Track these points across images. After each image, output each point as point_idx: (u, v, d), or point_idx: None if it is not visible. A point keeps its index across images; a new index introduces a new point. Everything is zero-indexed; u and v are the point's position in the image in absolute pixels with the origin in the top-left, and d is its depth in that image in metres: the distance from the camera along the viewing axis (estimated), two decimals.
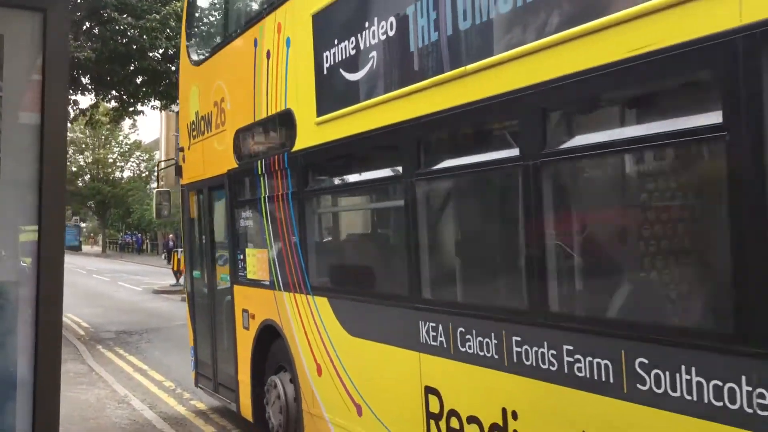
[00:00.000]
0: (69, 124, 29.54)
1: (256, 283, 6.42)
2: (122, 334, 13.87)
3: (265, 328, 6.26)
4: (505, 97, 3.38)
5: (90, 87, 17.83)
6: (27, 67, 2.22)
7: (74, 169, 52.38)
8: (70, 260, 42.11)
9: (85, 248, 62.60)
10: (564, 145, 3.14)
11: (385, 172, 4.61)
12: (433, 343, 4.00)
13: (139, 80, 17.67)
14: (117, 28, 15.97)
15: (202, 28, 8.42)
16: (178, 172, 8.65)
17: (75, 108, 18.95)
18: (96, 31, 16.48)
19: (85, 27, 16.53)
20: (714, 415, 2.50)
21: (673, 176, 2.84)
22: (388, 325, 4.46)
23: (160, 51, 16.10)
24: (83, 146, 53.12)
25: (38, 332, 2.16)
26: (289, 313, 5.77)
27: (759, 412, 2.36)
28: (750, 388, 2.38)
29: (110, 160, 55.23)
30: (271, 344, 6.25)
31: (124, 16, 16.05)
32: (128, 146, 55.24)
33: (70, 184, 52.02)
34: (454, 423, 3.87)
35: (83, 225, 68.48)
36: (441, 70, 3.84)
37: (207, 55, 7.72)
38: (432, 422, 4.05)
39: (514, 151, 3.38)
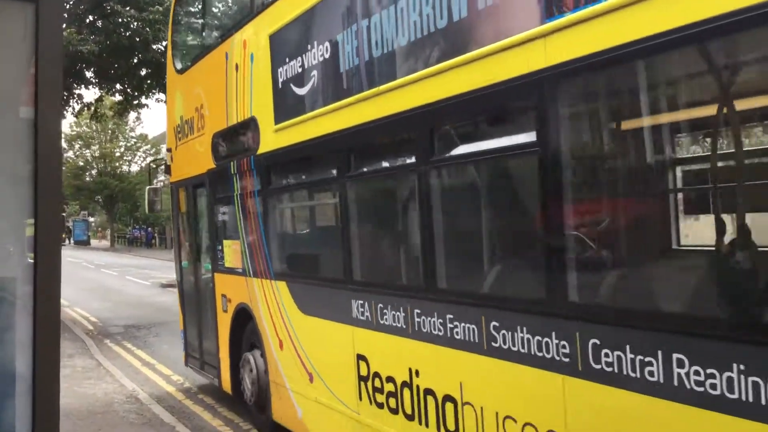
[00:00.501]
0: (75, 118, 29.81)
1: (232, 271, 7.22)
2: (130, 328, 13.94)
3: (240, 310, 7.05)
4: (406, 114, 4.15)
5: (94, 80, 17.90)
6: (20, 61, 2.22)
7: (81, 163, 53.26)
8: (78, 255, 42.74)
9: (94, 242, 63.53)
10: (446, 154, 3.91)
11: (326, 174, 5.39)
12: (362, 318, 4.78)
13: (143, 73, 17.65)
14: (120, 20, 15.96)
15: (185, 38, 9.16)
16: (167, 170, 9.45)
17: (79, 102, 19.00)
18: (99, 23, 16.57)
19: (88, 20, 16.59)
20: (539, 364, 3.27)
21: (509, 177, 3.61)
22: (330, 304, 5.24)
23: (164, 43, 15.99)
24: (90, 140, 53.92)
25: (36, 328, 2.18)
26: (257, 297, 6.56)
27: (563, 359, 3.13)
28: (558, 341, 3.15)
29: (117, 154, 56.07)
30: (245, 325, 7.05)
31: (127, 8, 15.97)
32: (134, 140, 56.02)
33: (77, 179, 52.95)
34: (377, 383, 4.66)
35: (91, 219, 69.49)
36: (362, 89, 4.60)
37: (189, 64, 8.49)
38: (362, 384, 4.84)
39: (412, 158, 4.15)
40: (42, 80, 2.17)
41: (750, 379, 2.39)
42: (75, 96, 18.55)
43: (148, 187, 10.14)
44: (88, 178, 54.00)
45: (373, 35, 4.43)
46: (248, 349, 7.01)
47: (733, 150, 3.02)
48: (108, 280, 25.98)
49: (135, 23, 16.35)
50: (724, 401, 2.46)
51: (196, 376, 8.76)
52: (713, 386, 2.51)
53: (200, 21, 8.43)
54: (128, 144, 56.00)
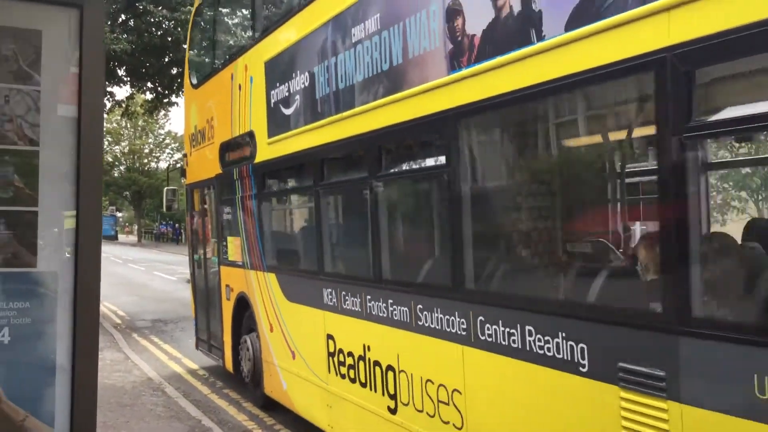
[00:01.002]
0: (105, 115, 30.60)
1: (234, 264, 8.22)
2: (157, 322, 14.11)
3: (240, 298, 8.06)
4: (360, 137, 5.10)
5: (126, 79, 18.33)
6: (64, 62, 2.29)
7: (110, 159, 54.87)
8: (106, 249, 43.36)
9: (121, 237, 65.13)
10: (390, 170, 4.86)
11: (304, 182, 6.37)
12: (330, 303, 5.74)
13: (174, 72, 17.90)
14: (152, 20, 16.20)
15: (200, 57, 10.19)
16: (183, 174, 10.51)
17: (111, 99, 19.48)
18: (132, 23, 16.93)
19: (121, 19, 16.97)
20: (447, 337, 4.20)
21: (430, 191, 4.56)
22: (307, 292, 6.21)
23: None
24: (119, 136, 55.49)
25: (76, 321, 2.23)
26: (254, 286, 7.56)
27: (461, 333, 4.07)
28: (458, 319, 4.09)
29: (146, 151, 57.65)
30: (244, 311, 8.05)
31: (159, 8, 16.30)
32: (163, 137, 57.55)
33: (106, 175, 54.56)
34: (341, 357, 5.62)
35: (119, 215, 71.27)
36: (331, 114, 5.56)
37: (203, 80, 9.51)
38: (330, 359, 5.81)
39: (365, 173, 5.11)
40: (86, 80, 2.27)
41: (568, 343, 3.31)
42: (107, 93, 19.01)
43: (166, 188, 11.22)
44: (116, 174, 55.56)
45: (339, 70, 5.39)
46: (246, 332, 8.01)
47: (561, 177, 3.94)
48: (135, 275, 26.33)
49: (167, 23, 16.64)
50: (553, 360, 3.38)
51: (221, 371, 9.11)
52: (549, 349, 3.43)
53: (212, 44, 9.44)
54: (156, 141, 57.57)
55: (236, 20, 8.74)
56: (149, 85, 18.88)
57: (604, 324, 3.17)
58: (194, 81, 9.86)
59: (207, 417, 7.21)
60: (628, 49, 2.90)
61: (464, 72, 3.93)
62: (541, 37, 3.37)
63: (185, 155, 10.47)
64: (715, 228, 4.01)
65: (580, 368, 3.24)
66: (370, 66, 4.93)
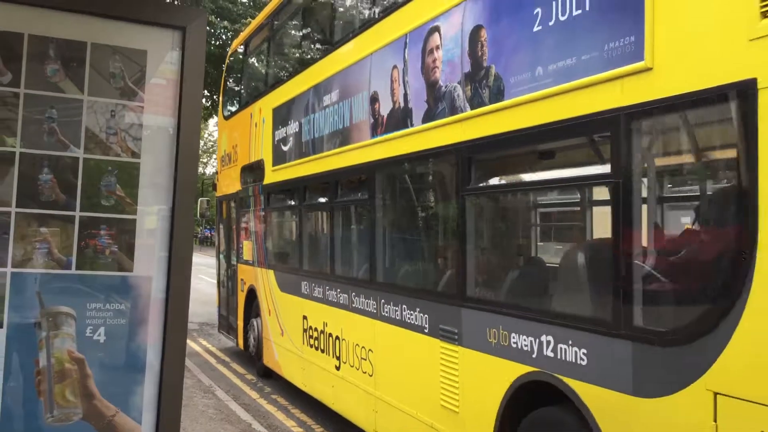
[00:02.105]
0: None
1: (247, 263, 10.39)
2: (204, 326, 14.47)
3: (250, 290, 10.22)
4: (325, 173, 7.20)
5: None
6: (166, 79, 2.44)
7: None
8: None
9: None
10: (341, 199, 6.96)
11: (293, 203, 8.50)
12: (305, 293, 7.84)
13: None
14: (213, 31, 17.24)
15: (231, 96, 12.44)
16: (214, 187, 12.78)
17: None
18: None
19: None
20: (367, 314, 6.24)
21: (362, 215, 6.64)
22: (293, 284, 8.32)
23: None
24: None
25: (167, 323, 2.36)
26: (259, 280, 9.70)
27: (373, 310, 6.11)
28: (372, 301, 6.14)
29: None
30: (253, 300, 10.20)
31: (219, 20, 17.29)
32: (212, 143, 60.45)
33: None
34: (311, 332, 7.70)
35: None
36: (310, 154, 7.67)
37: (231, 114, 11.75)
38: (304, 333, 7.89)
39: (327, 198, 7.20)
40: (186, 96, 2.38)
41: (420, 314, 5.33)
42: None
43: (200, 199, 13.51)
44: None
45: (316, 124, 7.50)
46: (254, 317, 10.16)
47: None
48: None
49: (227, 34, 17.72)
50: (413, 325, 5.40)
51: (268, 375, 9.54)
52: (411, 319, 5.45)
53: (240, 87, 11.70)
54: (206, 147, 60.49)
55: (258, 70, 10.94)
56: (206, 93, 19.80)
57: (434, 303, 5.19)
58: (226, 113, 12.13)
59: (257, 421, 7.48)
60: (444, 139, 4.93)
61: (378, 138, 6.00)
62: (411, 124, 5.43)
63: (217, 173, 12.74)
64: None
65: (425, 330, 5.26)
66: (333, 124, 7.03)
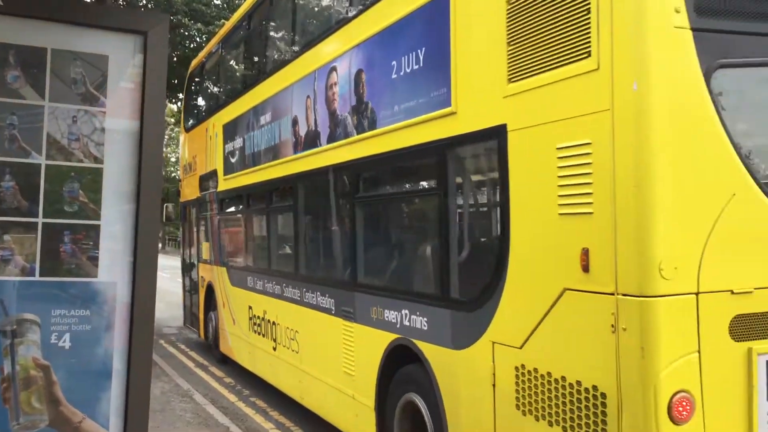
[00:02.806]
0: None
1: (206, 261, 11.57)
2: (183, 329, 14.25)
3: (209, 286, 11.40)
4: (263, 183, 8.40)
5: None
6: (128, 84, 2.44)
7: None
8: None
9: None
10: (274, 205, 8.18)
11: (240, 208, 9.70)
12: (250, 286, 9.04)
13: None
14: (186, 33, 17.38)
15: (191, 110, 13.59)
16: (179, 193, 13.93)
17: None
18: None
19: None
20: (294, 301, 7.46)
21: (289, 219, 7.87)
22: (240, 279, 9.51)
23: None
24: None
25: (133, 328, 2.37)
26: (216, 277, 10.89)
27: (297, 298, 7.33)
28: (296, 290, 7.36)
29: (173, 160, 61.38)
30: (211, 295, 11.37)
31: (192, 22, 17.26)
32: None
33: None
34: (255, 320, 8.91)
35: None
36: (250, 166, 8.87)
37: (191, 127, 12.91)
38: (250, 320, 9.10)
39: (264, 205, 8.41)
40: (148, 100, 2.41)
41: (328, 299, 6.55)
42: None
43: (165, 204, 14.64)
44: None
45: (255, 140, 8.70)
46: (212, 310, 11.34)
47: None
48: (160, 282, 26.00)
49: (201, 36, 17.64)
50: (324, 308, 6.62)
51: (247, 379, 9.51)
52: (323, 302, 6.67)
53: (197, 104, 12.88)
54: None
55: (212, 89, 12.12)
56: (180, 96, 19.91)
57: (337, 289, 6.41)
58: (187, 125, 13.29)
59: (235, 424, 7.49)
60: (341, 157, 6.16)
61: (298, 155, 7.22)
62: (320, 144, 6.65)
63: (180, 180, 13.89)
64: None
65: (332, 311, 6.49)
66: (267, 141, 8.24)
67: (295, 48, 7.64)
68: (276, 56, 8.47)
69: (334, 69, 6.29)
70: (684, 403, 3.13)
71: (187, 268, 13.32)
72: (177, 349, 12.42)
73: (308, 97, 6.91)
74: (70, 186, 2.38)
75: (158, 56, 2.46)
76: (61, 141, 2.37)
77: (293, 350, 7.55)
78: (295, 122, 7.29)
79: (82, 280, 2.38)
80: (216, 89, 11.73)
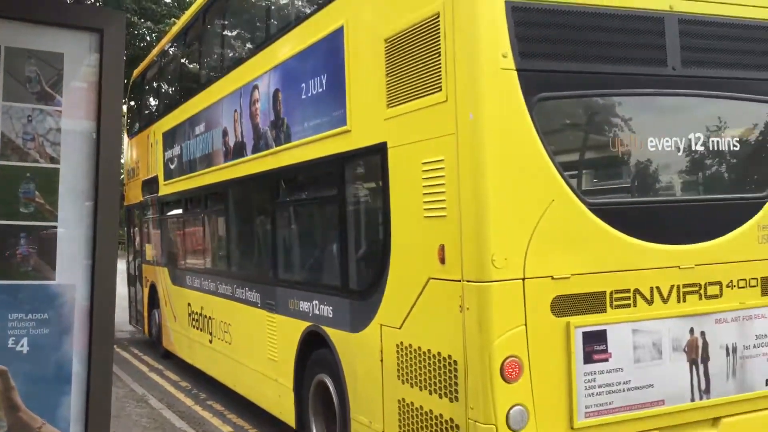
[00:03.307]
0: None
1: (149, 262, 12.15)
2: (137, 334, 13.96)
3: (152, 285, 11.98)
4: (198, 189, 9.06)
5: None
6: (84, 82, 2.39)
7: None
8: None
9: None
10: (208, 209, 8.86)
11: (178, 212, 10.34)
12: (189, 284, 9.69)
13: None
14: (136, 32, 16.95)
15: (134, 118, 14.11)
16: (122, 197, 14.45)
17: None
18: None
19: None
20: (227, 297, 8.15)
21: (219, 224, 8.57)
22: (180, 278, 10.15)
23: None
24: None
25: (92, 331, 2.32)
26: (158, 276, 11.48)
27: (229, 294, 8.03)
28: (228, 287, 8.06)
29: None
30: (154, 294, 11.95)
31: (143, 20, 17.17)
32: None
33: None
34: (194, 316, 9.56)
35: None
36: (187, 173, 9.51)
37: (134, 133, 13.44)
38: (189, 316, 9.75)
39: (199, 209, 9.08)
40: (105, 99, 2.37)
41: (255, 293, 7.27)
42: None
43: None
44: None
45: (191, 148, 9.35)
46: (155, 308, 11.93)
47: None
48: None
49: (151, 35, 17.59)
50: (252, 302, 7.34)
51: (204, 383, 9.38)
52: (250, 297, 7.39)
53: (139, 111, 13.42)
54: None
55: (153, 98, 12.69)
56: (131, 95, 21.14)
57: (261, 284, 7.14)
58: (131, 131, 13.81)
59: (192, 428, 7.46)
60: (264, 166, 6.88)
61: (228, 163, 7.92)
62: (246, 154, 7.36)
63: (124, 184, 14.41)
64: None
65: (258, 305, 7.21)
66: (202, 150, 8.90)
67: (225, 65, 8.33)
68: (209, 71, 9.13)
69: (256, 87, 7.01)
70: (513, 366, 3.96)
71: (131, 269, 13.84)
72: (130, 354, 12.41)
73: (236, 111, 7.61)
74: (26, 187, 2.33)
75: (115, 54, 2.42)
76: (15, 141, 2.32)
77: (227, 342, 8.24)
78: (225, 133, 7.98)
79: (39, 283, 2.33)
80: (155, 99, 12.31)
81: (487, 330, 3.95)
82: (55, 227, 2.36)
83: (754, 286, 4.58)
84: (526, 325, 4.01)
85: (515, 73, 4.01)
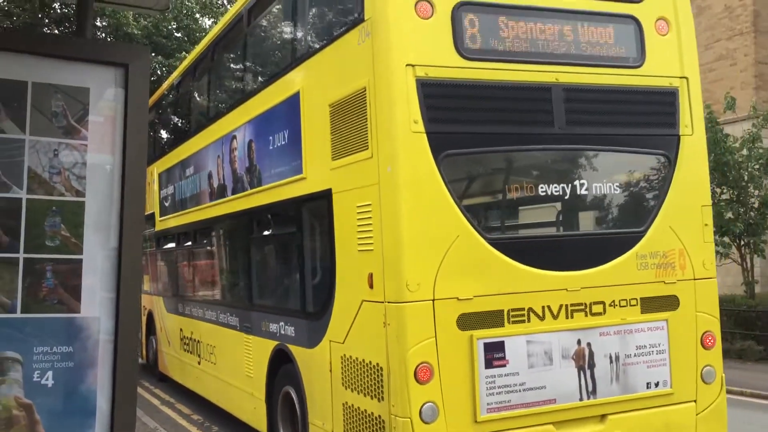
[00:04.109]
0: None
1: (146, 292, 13.13)
2: (147, 366, 13.68)
3: (149, 313, 12.95)
4: (188, 225, 10.08)
5: None
6: (109, 116, 2.41)
7: None
8: None
9: None
10: (195, 245, 9.88)
11: (171, 246, 11.36)
12: (181, 311, 10.66)
13: None
14: None
15: None
16: None
17: None
18: None
19: None
20: (212, 321, 9.11)
21: (200, 257, 9.59)
22: (173, 306, 11.12)
23: None
24: None
25: (117, 364, 2.32)
26: (154, 305, 12.46)
27: (213, 318, 9.00)
28: (214, 313, 9.04)
29: None
30: (151, 322, 12.92)
31: (153, 55, 17.88)
32: None
33: None
34: (185, 340, 10.51)
35: None
36: (181, 209, 10.53)
37: None
38: (181, 341, 10.70)
39: (188, 244, 10.09)
40: (130, 133, 2.40)
41: (235, 318, 8.23)
42: None
43: None
44: None
45: (183, 188, 10.39)
46: (152, 334, 12.88)
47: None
48: None
49: (162, 69, 18.21)
50: (233, 326, 8.30)
51: (216, 415, 9.31)
52: (232, 321, 8.35)
53: None
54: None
55: (151, 139, 13.79)
56: None
57: (239, 309, 8.10)
58: None
59: None
60: (241, 206, 7.89)
61: (212, 203, 8.94)
62: (227, 195, 8.38)
63: None
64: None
65: (237, 327, 8.17)
66: (191, 190, 9.94)
67: (210, 116, 9.41)
68: (197, 121, 10.21)
69: (234, 137, 8.06)
70: (425, 370, 4.91)
71: None
72: (141, 387, 12.15)
73: (218, 156, 8.65)
74: (52, 220, 2.34)
75: (139, 88, 2.46)
76: (42, 175, 2.35)
77: (212, 362, 9.19)
78: (210, 176, 9.02)
79: (64, 316, 2.33)
80: (153, 141, 13.41)
81: (403, 341, 4.91)
82: (80, 260, 2.38)
83: (634, 305, 5.54)
84: (435, 337, 4.97)
85: (425, 135, 5.02)
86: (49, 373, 2.30)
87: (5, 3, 19.84)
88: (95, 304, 2.39)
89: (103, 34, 19.03)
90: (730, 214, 14.32)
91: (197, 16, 20.31)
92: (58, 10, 20.09)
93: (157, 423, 9.36)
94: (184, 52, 17.53)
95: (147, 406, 10.63)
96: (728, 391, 9.49)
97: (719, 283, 16.04)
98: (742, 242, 14.70)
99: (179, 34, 20.31)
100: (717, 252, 13.55)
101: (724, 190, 14.72)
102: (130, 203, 2.41)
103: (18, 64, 2.35)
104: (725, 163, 14.18)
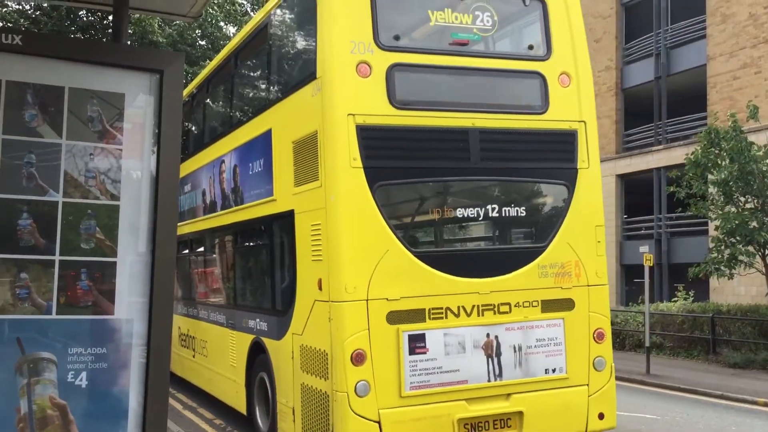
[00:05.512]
0: None
1: None
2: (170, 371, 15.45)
3: None
4: (188, 235, 11.45)
5: None
6: (144, 121, 2.43)
7: None
8: None
9: None
10: (196, 251, 11.24)
11: (185, 253, 12.74)
12: (182, 311, 12.02)
13: None
14: None
15: None
16: None
17: None
18: None
19: None
20: (206, 320, 10.47)
21: (204, 264, 10.96)
22: (179, 308, 12.47)
23: None
24: None
25: (149, 365, 2.35)
26: None
27: (204, 317, 10.36)
28: (207, 313, 10.40)
29: None
30: None
31: None
32: None
33: None
34: (183, 337, 11.86)
35: None
36: (181, 221, 11.90)
37: None
38: (179, 337, 12.05)
39: (186, 251, 11.47)
40: (164, 137, 2.42)
41: (222, 317, 9.58)
42: None
43: None
44: None
45: (185, 201, 11.76)
46: None
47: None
48: None
49: (187, 76, 17.35)
50: (222, 323, 9.65)
51: (237, 420, 9.30)
52: (221, 319, 9.69)
53: None
54: None
55: None
56: None
57: (225, 308, 9.44)
58: None
59: None
60: (228, 220, 9.25)
61: (205, 216, 10.30)
62: (217, 210, 9.73)
63: None
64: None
65: (224, 324, 9.51)
66: (189, 204, 11.32)
67: (205, 141, 10.79)
68: (195, 143, 11.60)
69: (223, 161, 9.43)
70: (360, 356, 6.22)
71: None
72: None
73: (210, 177, 10.02)
74: (87, 223, 2.36)
75: (174, 93, 2.46)
76: (78, 178, 2.35)
77: (204, 355, 10.54)
78: (204, 193, 10.39)
79: (98, 318, 2.34)
80: None
81: (341, 332, 6.23)
82: (115, 263, 2.41)
83: (536, 306, 6.83)
84: (369, 329, 6.29)
85: (362, 170, 6.35)
86: (83, 374, 2.34)
87: (32, 11, 21.11)
88: (129, 306, 2.44)
89: (128, 42, 19.99)
90: (754, 223, 13.73)
91: (221, 24, 21.05)
92: (84, 18, 21.42)
93: (180, 427, 9.42)
94: (207, 60, 17.87)
95: (169, 410, 10.67)
96: (754, 402, 10.89)
97: (743, 292, 17.70)
98: (767, 252, 14.28)
99: (203, 42, 21.01)
100: (741, 262, 13.93)
101: (749, 199, 14.15)
102: (164, 206, 2.46)
103: (55, 70, 2.39)
104: (749, 172, 13.61)
